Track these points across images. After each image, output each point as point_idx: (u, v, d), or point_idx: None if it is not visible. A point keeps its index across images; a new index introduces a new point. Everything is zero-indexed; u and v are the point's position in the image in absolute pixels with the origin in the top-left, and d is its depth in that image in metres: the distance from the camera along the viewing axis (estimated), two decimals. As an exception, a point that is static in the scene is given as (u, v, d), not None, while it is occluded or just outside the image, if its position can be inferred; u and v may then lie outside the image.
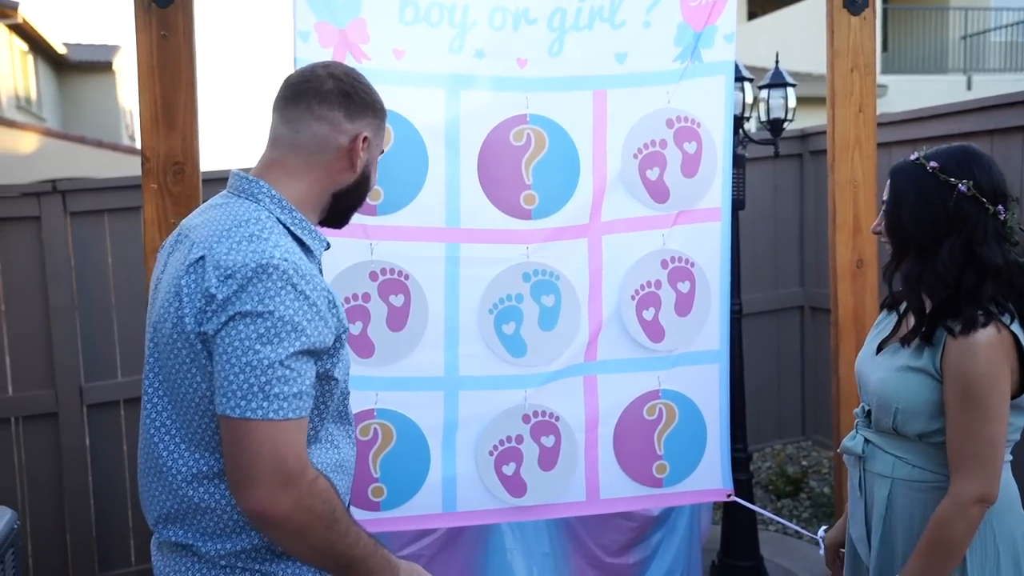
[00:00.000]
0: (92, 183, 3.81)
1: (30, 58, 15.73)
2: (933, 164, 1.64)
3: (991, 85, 12.10)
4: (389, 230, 2.26)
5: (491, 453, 2.36)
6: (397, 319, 2.28)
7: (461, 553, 2.63)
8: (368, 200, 2.19)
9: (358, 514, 2.26)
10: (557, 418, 2.38)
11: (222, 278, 1.25)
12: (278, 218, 1.38)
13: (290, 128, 1.43)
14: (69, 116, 17.81)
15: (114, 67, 18.23)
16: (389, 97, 2.21)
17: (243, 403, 1.23)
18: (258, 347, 1.23)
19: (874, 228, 1.79)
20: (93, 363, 3.79)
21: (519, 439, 2.37)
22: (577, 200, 2.36)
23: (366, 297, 2.26)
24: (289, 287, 1.26)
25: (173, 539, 1.37)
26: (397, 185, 2.26)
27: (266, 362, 1.23)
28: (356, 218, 2.18)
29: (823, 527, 2.17)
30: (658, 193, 2.40)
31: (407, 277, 2.28)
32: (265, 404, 1.23)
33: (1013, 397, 1.59)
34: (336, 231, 2.21)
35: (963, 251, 1.61)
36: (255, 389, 1.22)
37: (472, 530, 2.59)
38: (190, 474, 1.34)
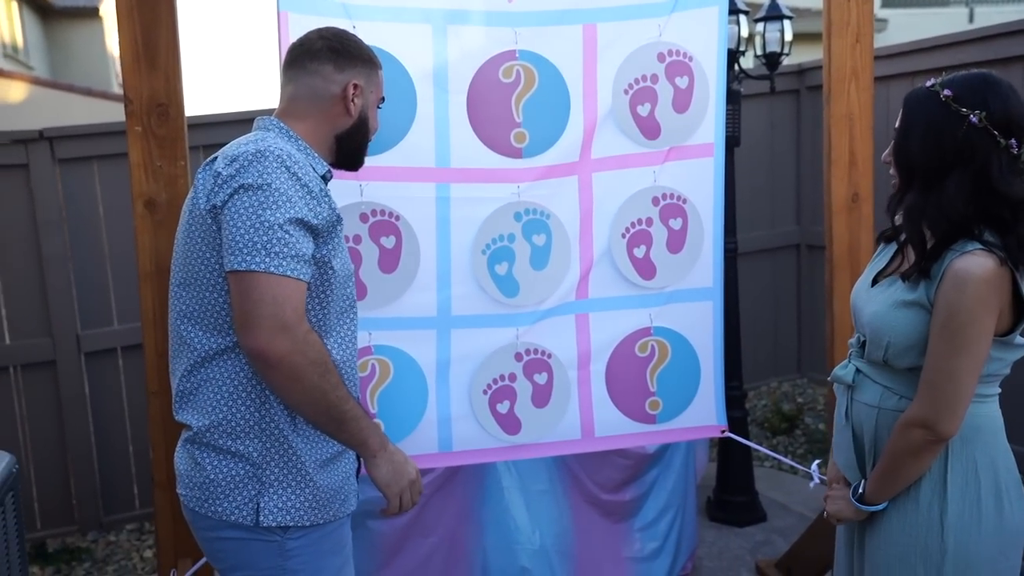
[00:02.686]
0: (80, 130, 3.75)
1: (15, 5, 15.39)
2: (947, 92, 1.57)
3: (994, 16, 11.87)
4: (378, 171, 2.23)
5: (485, 392, 2.37)
6: (389, 261, 2.27)
7: (458, 491, 2.67)
8: (355, 140, 2.21)
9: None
10: (549, 355, 2.39)
11: (228, 162, 1.48)
12: (286, 141, 1.58)
13: (292, 84, 1.66)
14: (57, 64, 17.50)
15: (101, 13, 17.84)
16: (376, 34, 2.19)
17: (248, 258, 1.41)
18: (260, 211, 1.42)
19: (884, 158, 1.73)
20: (89, 311, 3.79)
21: (512, 377, 2.38)
22: (567, 137, 2.33)
23: (357, 239, 2.25)
24: (283, 168, 1.46)
25: (181, 418, 1.57)
26: (385, 125, 2.21)
27: (267, 224, 1.42)
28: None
29: (816, 461, 2.20)
30: (649, 129, 2.37)
31: (398, 218, 2.26)
32: (267, 259, 1.41)
33: (1005, 333, 1.58)
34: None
35: (970, 184, 1.55)
36: (258, 247, 1.41)
37: (469, 468, 2.62)
38: (204, 350, 1.53)
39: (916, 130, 1.60)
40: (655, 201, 2.41)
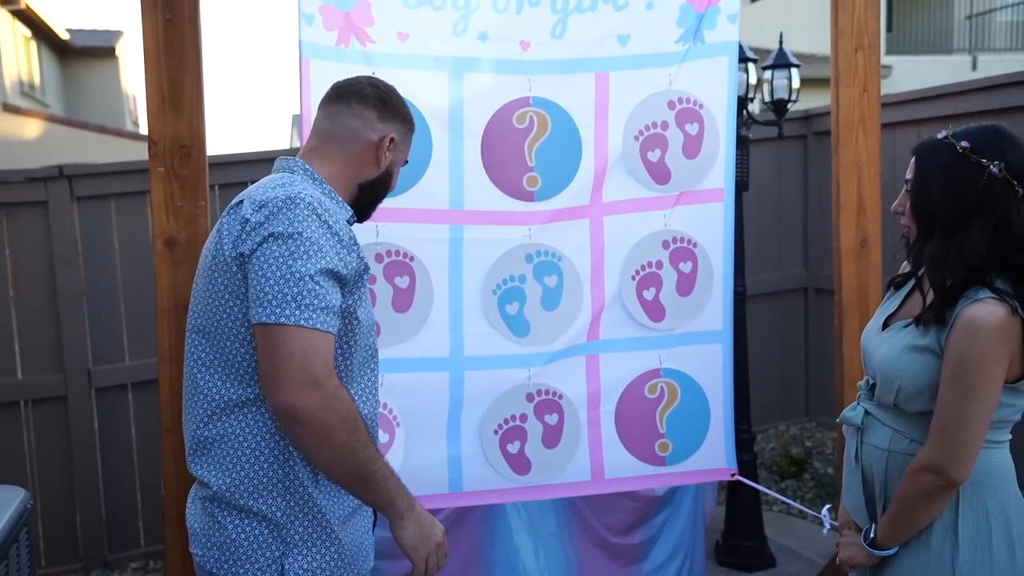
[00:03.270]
0: (98, 168, 3.82)
1: (33, 44, 15.69)
2: (964, 144, 1.60)
3: (997, 65, 11.99)
4: (394, 212, 2.27)
5: (496, 432, 2.38)
6: (403, 300, 2.30)
7: (467, 533, 2.66)
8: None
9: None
10: (560, 396, 2.41)
11: (256, 208, 1.44)
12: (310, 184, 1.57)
13: (330, 120, 1.64)
14: (73, 102, 17.78)
15: (117, 53, 18.18)
16: (394, 80, 2.22)
17: (278, 310, 1.37)
18: (290, 262, 1.38)
19: (895, 208, 1.75)
20: (101, 347, 3.82)
21: (523, 418, 2.39)
22: (579, 182, 2.37)
23: (372, 279, 2.28)
24: (314, 216, 1.43)
25: (196, 472, 1.52)
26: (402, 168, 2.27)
27: (297, 275, 1.38)
28: (361, 200, 2.24)
29: (827, 506, 2.19)
30: (659, 174, 2.41)
31: (412, 259, 2.30)
32: (297, 312, 1.37)
33: (1015, 381, 1.60)
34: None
35: (991, 233, 1.58)
36: (288, 299, 1.37)
37: (478, 509, 2.62)
38: (221, 401, 1.48)
39: (935, 181, 1.63)
40: (665, 244, 2.45)
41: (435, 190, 2.30)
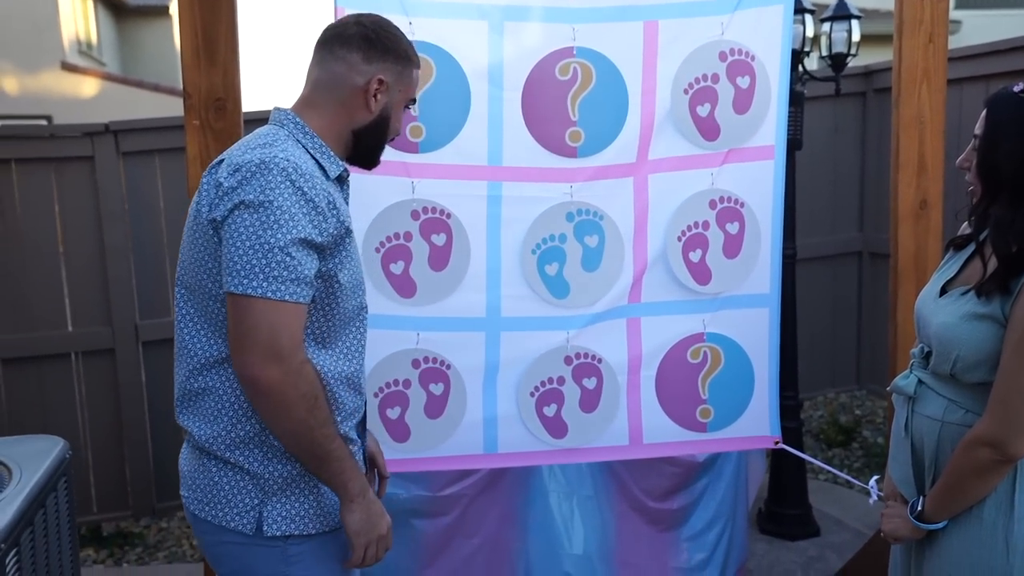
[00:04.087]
0: (143, 123, 3.84)
1: (90, 3, 15.91)
2: None
3: (1075, 20, 11.39)
4: (431, 168, 2.22)
5: (532, 394, 2.34)
6: (439, 258, 2.26)
7: (503, 494, 2.64)
8: (409, 137, 2.20)
9: (395, 448, 2.28)
10: (599, 360, 2.35)
11: (231, 171, 1.41)
12: (298, 140, 1.52)
13: (317, 67, 1.58)
14: (128, 60, 18.05)
15: (171, 11, 18.35)
16: (432, 30, 2.18)
17: (245, 281, 1.36)
18: (260, 232, 1.36)
19: (960, 163, 1.65)
20: (147, 302, 3.88)
21: (560, 380, 2.34)
22: (624, 137, 2.28)
23: (408, 236, 2.24)
24: (288, 183, 1.39)
25: (182, 422, 1.54)
26: (439, 122, 2.21)
27: (267, 246, 1.36)
28: (397, 155, 2.20)
29: (875, 476, 2.11)
30: (708, 130, 2.31)
31: (449, 216, 2.25)
32: (265, 284, 1.36)
33: None
34: (379, 170, 2.21)
35: None
36: (256, 270, 1.36)
37: (514, 471, 2.59)
38: (205, 356, 1.50)
39: (1007, 138, 1.51)
40: (712, 204, 2.35)
41: (473, 145, 2.24)
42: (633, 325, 2.37)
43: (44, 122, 11.74)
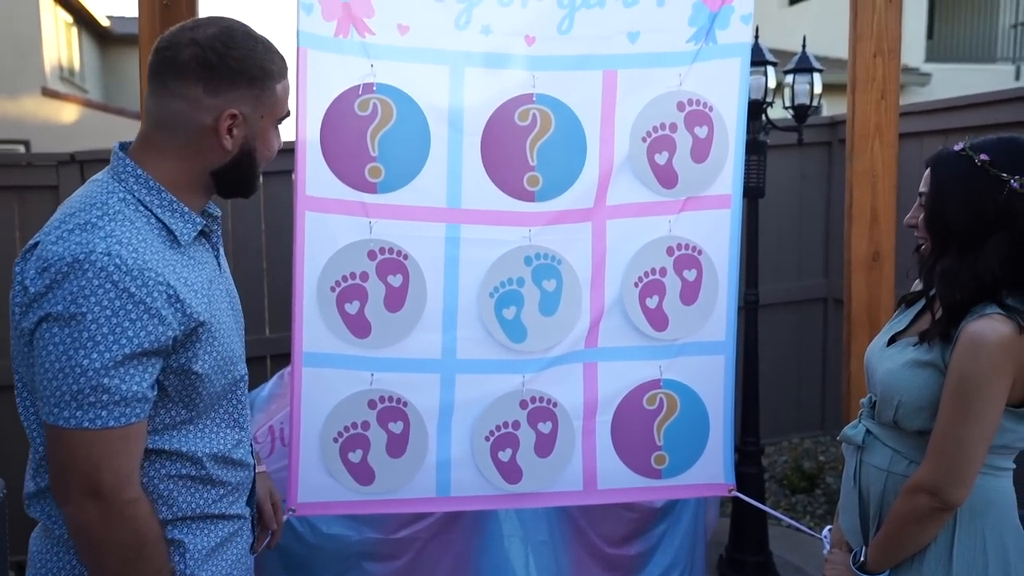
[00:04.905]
0: (108, 154, 3.81)
1: (74, 30, 15.95)
2: (983, 157, 1.53)
3: (1041, 75, 11.72)
4: (389, 208, 2.23)
5: (487, 438, 2.33)
6: (395, 299, 2.25)
7: (457, 538, 2.61)
8: (368, 178, 2.21)
9: (360, 491, 2.25)
10: (555, 404, 2.35)
11: (39, 270, 1.18)
12: (140, 200, 1.28)
13: (153, 101, 1.31)
14: (111, 88, 18.06)
15: (155, 40, 18.41)
16: (394, 74, 2.20)
17: (55, 411, 1.17)
18: (71, 352, 1.15)
19: (907, 221, 1.69)
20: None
21: (516, 425, 2.33)
22: (582, 183, 2.31)
23: (364, 276, 2.23)
24: (109, 284, 1.16)
25: (37, 516, 1.34)
26: (398, 164, 2.23)
27: (78, 370, 1.15)
28: (355, 195, 2.21)
29: (828, 527, 2.11)
30: (666, 178, 2.34)
31: (406, 257, 2.25)
32: (79, 413, 1.16)
33: (1019, 405, 1.52)
34: (337, 209, 2.21)
35: (1008, 249, 1.51)
36: (67, 398, 1.16)
37: (469, 515, 2.57)
38: (44, 454, 1.28)
39: (951, 195, 1.56)
40: (670, 251, 2.37)
41: (432, 187, 2.25)
42: (589, 370, 2.37)
43: (22, 147, 11.70)
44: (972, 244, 1.54)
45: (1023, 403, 1.52)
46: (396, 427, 2.27)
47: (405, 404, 2.26)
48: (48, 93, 12.75)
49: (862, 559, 1.64)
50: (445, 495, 2.34)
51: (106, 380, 1.16)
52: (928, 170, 1.64)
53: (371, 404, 2.26)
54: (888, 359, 1.66)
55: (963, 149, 1.57)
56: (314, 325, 2.21)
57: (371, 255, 2.23)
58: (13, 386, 1.29)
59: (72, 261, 1.16)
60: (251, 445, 1.50)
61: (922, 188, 1.64)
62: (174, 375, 1.27)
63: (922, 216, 1.64)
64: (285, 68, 1.37)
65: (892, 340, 1.71)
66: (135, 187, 1.29)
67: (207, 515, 1.35)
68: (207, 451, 1.34)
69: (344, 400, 2.24)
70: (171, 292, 1.23)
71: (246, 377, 1.44)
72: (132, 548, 1.22)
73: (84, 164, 3.70)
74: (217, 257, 1.44)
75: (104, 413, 1.17)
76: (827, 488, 4.40)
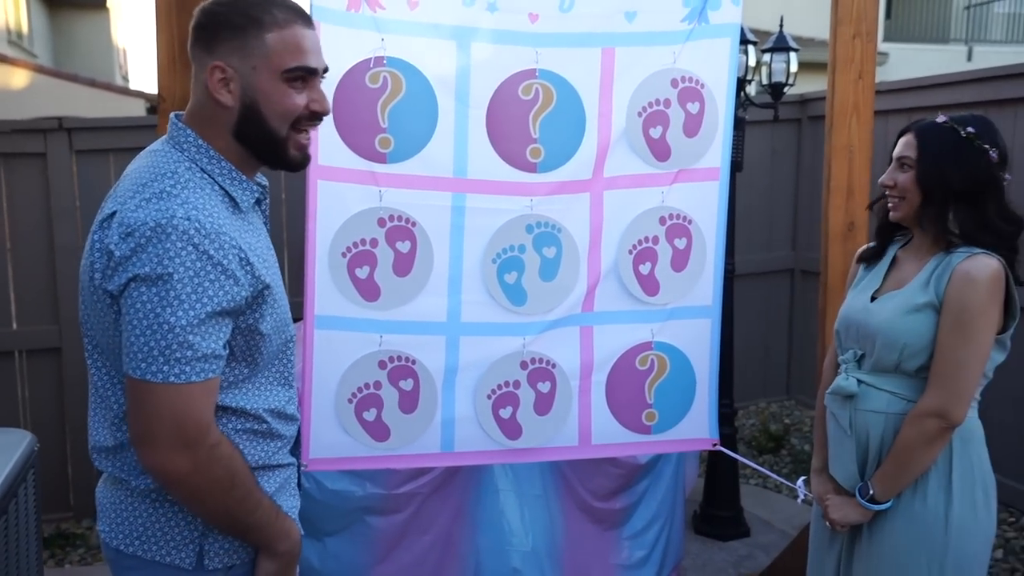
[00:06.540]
0: (98, 122, 3.83)
1: (22, -8, 15.42)
2: (970, 129, 1.74)
3: (991, 56, 12.09)
4: (398, 178, 2.32)
5: (489, 397, 2.45)
6: (403, 265, 2.36)
7: (455, 493, 2.74)
8: (378, 148, 2.30)
9: (376, 447, 2.37)
10: (553, 365, 2.48)
11: (123, 235, 1.23)
12: (203, 169, 1.35)
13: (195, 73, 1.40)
14: (61, 53, 17.51)
15: (108, 5, 17.90)
16: (403, 47, 2.28)
17: (143, 365, 1.22)
18: (159, 311, 1.21)
19: (883, 181, 1.85)
20: (97, 300, 3.84)
21: (516, 384, 2.46)
22: (581, 155, 2.42)
23: (374, 243, 2.33)
24: (190, 247, 1.22)
25: (109, 470, 1.41)
26: (407, 135, 2.32)
27: (166, 326, 1.21)
28: (366, 165, 2.29)
29: (802, 478, 2.28)
30: (660, 151, 2.46)
31: (414, 224, 2.35)
32: (166, 368, 1.22)
33: (997, 333, 1.74)
34: (348, 178, 2.30)
35: (994, 206, 1.74)
36: (155, 353, 1.22)
37: (466, 470, 2.70)
38: (123, 411, 1.35)
39: (947, 160, 1.75)
40: (662, 221, 2.51)
41: (439, 158, 2.35)
42: (586, 333, 2.51)
43: (-30, 114, 11.35)
44: (969, 201, 1.75)
45: (999, 332, 1.75)
46: (407, 384, 2.38)
47: (414, 362, 2.38)
48: (-3, 57, 12.34)
49: (871, 492, 1.80)
50: (449, 450, 2.46)
51: (191, 337, 1.23)
52: (910, 136, 1.81)
53: (381, 364, 2.37)
54: (882, 310, 1.83)
55: (945, 122, 1.78)
56: (326, 289, 2.31)
57: (381, 222, 2.33)
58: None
59: (155, 226, 1.22)
60: (297, 400, 1.60)
61: (905, 152, 1.81)
62: (241, 335, 1.34)
63: (904, 176, 1.80)
64: (289, 19, 1.35)
65: (873, 298, 1.88)
66: (196, 156, 1.36)
67: (267, 466, 1.44)
68: (266, 407, 1.42)
69: (356, 362, 2.34)
70: (242, 255, 1.30)
71: (295, 337, 1.53)
72: (227, 479, 1.31)
73: (72, 132, 3.70)
74: (266, 224, 1.52)
75: (188, 368, 1.23)
76: (792, 449, 4.63)
